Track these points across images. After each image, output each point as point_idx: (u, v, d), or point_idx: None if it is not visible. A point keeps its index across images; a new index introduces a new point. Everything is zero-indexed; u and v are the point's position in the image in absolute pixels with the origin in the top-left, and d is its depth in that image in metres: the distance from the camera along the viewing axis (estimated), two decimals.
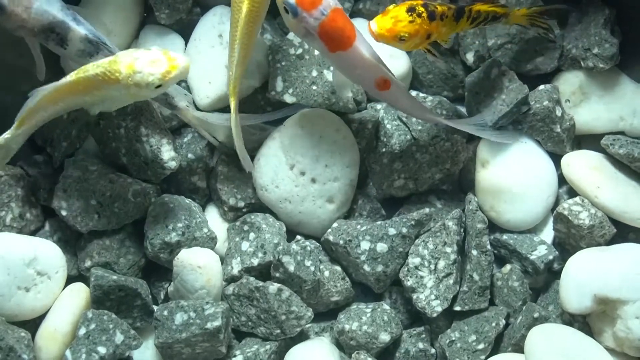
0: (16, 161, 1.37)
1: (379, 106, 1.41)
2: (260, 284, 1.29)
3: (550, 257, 1.33)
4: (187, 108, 1.33)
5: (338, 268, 1.35)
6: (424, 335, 1.33)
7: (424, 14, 1.15)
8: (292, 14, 1.14)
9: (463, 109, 1.40)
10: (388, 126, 1.38)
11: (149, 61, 1.14)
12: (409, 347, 1.32)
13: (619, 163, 1.33)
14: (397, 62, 1.39)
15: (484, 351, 1.30)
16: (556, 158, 1.37)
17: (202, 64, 1.37)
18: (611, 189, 1.30)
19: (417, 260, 1.30)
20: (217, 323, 1.24)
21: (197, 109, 1.38)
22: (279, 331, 1.30)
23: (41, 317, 1.30)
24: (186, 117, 1.34)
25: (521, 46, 1.39)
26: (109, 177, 1.34)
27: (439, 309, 1.30)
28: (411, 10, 1.14)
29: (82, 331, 1.26)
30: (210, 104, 1.37)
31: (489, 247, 1.32)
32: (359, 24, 1.41)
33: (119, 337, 1.26)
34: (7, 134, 1.23)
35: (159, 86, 1.14)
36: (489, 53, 1.40)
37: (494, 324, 1.31)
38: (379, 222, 1.33)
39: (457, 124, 1.30)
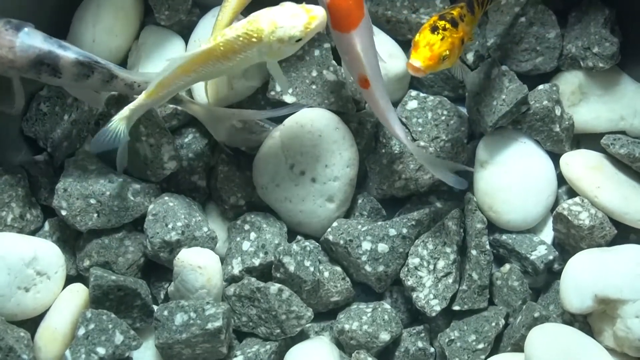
0: (17, 161, 1.37)
1: None
2: (262, 284, 1.29)
3: (550, 257, 1.33)
4: (192, 100, 1.32)
5: (338, 268, 1.34)
6: (423, 334, 1.33)
7: (448, 25, 1.15)
8: None
9: (463, 109, 1.40)
10: None
11: (289, 15, 1.14)
12: (408, 346, 1.32)
13: (619, 163, 1.33)
14: (397, 62, 1.39)
15: (483, 351, 1.30)
16: (555, 157, 1.37)
17: None
18: (611, 189, 1.30)
19: (416, 261, 1.30)
20: (218, 323, 1.24)
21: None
22: (279, 331, 1.30)
23: (41, 317, 1.30)
24: (191, 109, 1.34)
25: (521, 46, 1.39)
26: (109, 176, 1.34)
27: (438, 308, 1.30)
28: (435, 29, 1.14)
29: (82, 331, 1.26)
30: (212, 104, 1.37)
31: (488, 246, 1.32)
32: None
33: (118, 338, 1.26)
34: (132, 105, 1.21)
35: (299, 40, 1.14)
36: (488, 53, 1.40)
37: (493, 324, 1.31)
38: (379, 223, 1.33)
39: (419, 156, 1.29)
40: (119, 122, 1.21)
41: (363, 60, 1.19)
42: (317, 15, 1.14)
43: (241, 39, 1.15)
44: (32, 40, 1.20)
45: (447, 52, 1.13)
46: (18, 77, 1.25)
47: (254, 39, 1.14)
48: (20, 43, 1.19)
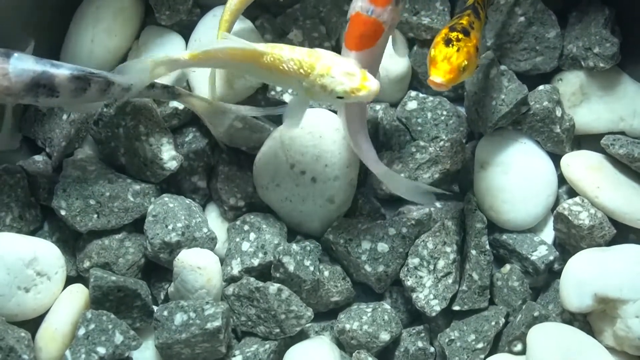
0: (16, 161, 1.37)
1: (377, 107, 1.41)
2: (261, 284, 1.29)
3: (551, 258, 1.33)
4: (191, 94, 1.32)
5: (338, 268, 1.35)
6: (423, 334, 1.33)
7: (460, 35, 1.15)
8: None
9: (462, 109, 1.40)
10: (387, 127, 1.39)
11: (345, 71, 1.12)
12: (408, 345, 1.33)
13: (619, 163, 1.33)
14: (397, 61, 1.39)
15: (483, 350, 1.30)
16: (556, 158, 1.37)
17: None
18: (611, 189, 1.31)
19: (416, 261, 1.30)
20: (217, 323, 1.24)
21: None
22: (278, 330, 1.30)
23: (41, 318, 1.30)
24: (190, 103, 1.33)
25: (520, 45, 1.39)
26: (108, 177, 1.34)
27: (438, 308, 1.30)
28: (449, 41, 1.14)
29: (82, 331, 1.26)
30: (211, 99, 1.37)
31: (488, 246, 1.32)
32: None
33: (118, 338, 1.26)
34: (171, 57, 1.21)
35: (340, 97, 1.13)
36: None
37: (493, 323, 1.31)
38: (379, 222, 1.33)
39: (384, 175, 1.28)
40: (151, 62, 1.21)
41: None
42: (368, 87, 1.12)
43: (292, 63, 1.14)
44: (24, 64, 1.18)
45: (465, 62, 1.13)
46: (11, 107, 1.23)
47: (302, 71, 1.13)
48: (13, 68, 1.17)
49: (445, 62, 1.12)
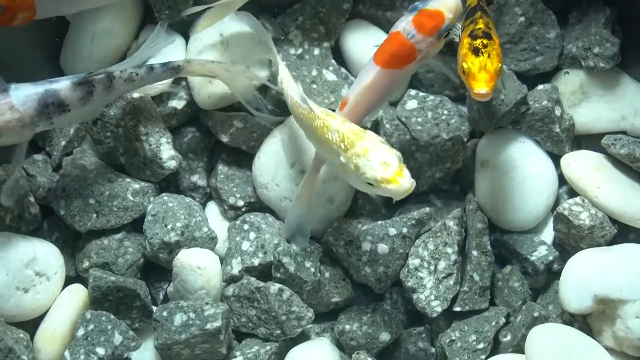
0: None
1: None
2: (262, 284, 1.29)
3: (550, 258, 1.33)
4: (189, 62, 1.29)
5: (339, 269, 1.34)
6: (424, 335, 1.33)
7: (485, 40, 1.14)
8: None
9: (464, 109, 1.40)
10: (387, 126, 1.38)
11: (382, 159, 1.07)
12: (409, 346, 1.32)
13: (619, 163, 1.33)
14: None
15: (483, 350, 1.30)
16: (555, 158, 1.37)
17: None
18: (612, 189, 1.30)
19: (416, 262, 1.30)
20: (217, 324, 1.24)
21: (198, 107, 1.38)
22: (279, 332, 1.29)
23: (40, 318, 1.29)
24: (194, 71, 1.30)
25: (520, 45, 1.39)
26: (108, 176, 1.33)
27: (439, 309, 1.30)
28: (477, 51, 1.13)
29: (81, 332, 1.25)
30: (212, 103, 1.37)
31: (489, 247, 1.32)
32: (359, 24, 1.42)
33: (117, 338, 1.26)
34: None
35: (369, 184, 1.08)
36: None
37: (493, 324, 1.31)
38: (379, 222, 1.33)
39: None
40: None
41: (359, 90, 1.19)
42: (400, 183, 1.06)
43: (336, 134, 1.11)
44: (24, 90, 1.16)
45: (500, 65, 1.13)
46: (26, 142, 1.21)
47: (342, 145, 1.10)
48: (16, 99, 1.15)
49: (483, 72, 1.12)
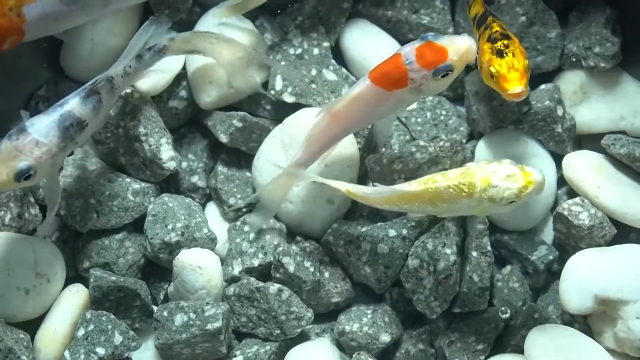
0: None
1: None
2: (261, 284, 1.29)
3: (551, 258, 1.33)
4: (173, 40, 1.27)
5: (339, 269, 1.34)
6: (424, 336, 1.33)
7: (505, 41, 1.15)
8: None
9: (463, 109, 1.40)
10: None
11: (505, 175, 1.09)
12: (409, 347, 1.33)
13: (619, 163, 1.33)
14: None
15: (483, 351, 1.30)
16: (556, 157, 1.37)
17: (202, 63, 1.37)
18: (612, 189, 1.30)
19: (416, 262, 1.30)
20: (218, 324, 1.24)
21: (199, 108, 1.38)
22: (279, 332, 1.29)
23: (40, 318, 1.29)
24: (179, 48, 1.29)
25: (522, 45, 1.38)
26: (108, 176, 1.33)
27: (439, 310, 1.30)
28: (501, 53, 1.14)
29: (81, 332, 1.26)
30: (212, 103, 1.37)
31: (489, 248, 1.31)
32: (358, 24, 1.42)
33: (117, 338, 1.26)
34: (335, 184, 1.22)
35: (512, 202, 1.10)
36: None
37: (493, 325, 1.31)
38: (379, 223, 1.33)
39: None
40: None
41: (347, 97, 1.18)
42: (534, 180, 1.09)
43: (451, 190, 1.11)
44: (40, 123, 1.15)
45: (527, 62, 1.14)
46: (57, 171, 1.23)
47: (464, 194, 1.10)
48: (37, 134, 1.14)
49: (512, 71, 1.12)
